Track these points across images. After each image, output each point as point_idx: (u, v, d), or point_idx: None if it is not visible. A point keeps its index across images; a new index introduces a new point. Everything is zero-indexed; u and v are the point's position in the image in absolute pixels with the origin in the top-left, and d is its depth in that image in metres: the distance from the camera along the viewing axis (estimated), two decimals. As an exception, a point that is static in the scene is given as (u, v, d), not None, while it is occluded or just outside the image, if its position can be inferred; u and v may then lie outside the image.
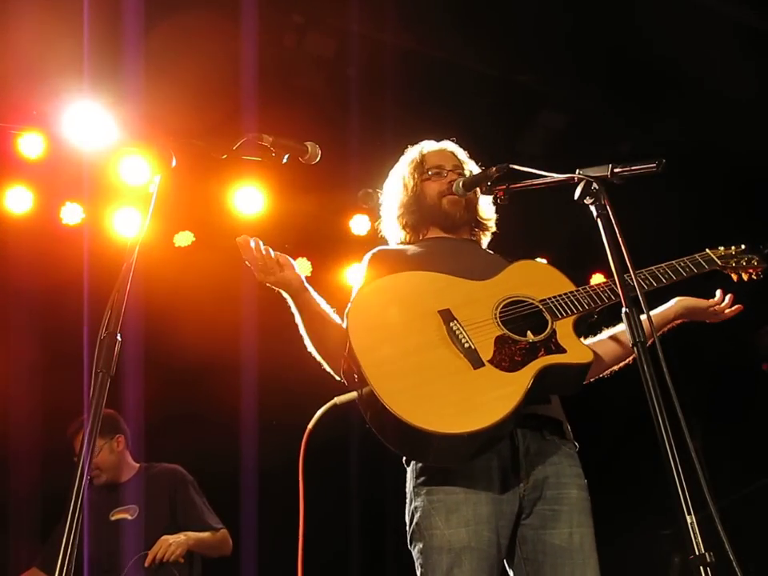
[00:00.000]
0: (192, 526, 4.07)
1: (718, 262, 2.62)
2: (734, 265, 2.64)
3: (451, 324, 2.27)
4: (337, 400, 2.36)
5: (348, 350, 2.23)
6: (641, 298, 1.98)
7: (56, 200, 5.16)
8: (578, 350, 2.31)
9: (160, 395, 5.02)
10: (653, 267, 2.51)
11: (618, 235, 2.03)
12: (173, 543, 3.87)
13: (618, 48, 4.80)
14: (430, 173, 2.74)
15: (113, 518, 4.05)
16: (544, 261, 2.66)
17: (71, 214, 5.16)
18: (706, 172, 5.33)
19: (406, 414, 2.07)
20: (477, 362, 2.20)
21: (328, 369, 2.49)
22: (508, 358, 2.23)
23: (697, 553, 1.64)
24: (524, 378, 2.19)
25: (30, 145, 4.84)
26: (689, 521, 1.65)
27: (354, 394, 2.28)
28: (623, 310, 1.95)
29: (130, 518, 4.05)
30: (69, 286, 4.78)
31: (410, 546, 2.34)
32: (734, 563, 1.63)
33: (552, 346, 2.29)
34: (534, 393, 2.20)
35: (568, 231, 5.15)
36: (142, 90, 4.50)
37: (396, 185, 2.81)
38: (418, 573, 2.28)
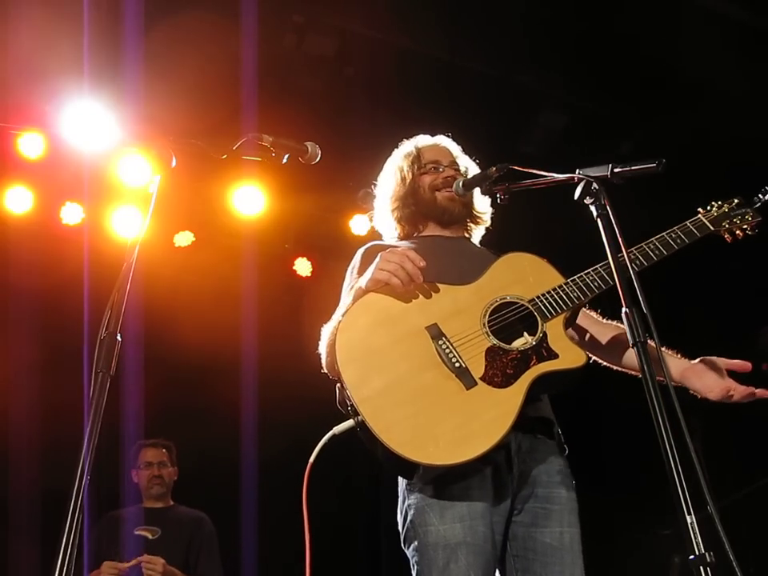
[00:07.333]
0: (206, 573, 4.32)
1: (710, 226, 2.54)
2: (726, 225, 2.56)
3: (439, 342, 2.23)
4: (335, 430, 2.35)
5: (340, 382, 2.21)
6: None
7: (56, 200, 5.16)
8: (570, 353, 2.26)
9: (160, 395, 5.03)
10: (642, 243, 2.43)
11: (618, 235, 2.03)
12: (163, 568, 4.03)
13: (618, 48, 4.80)
14: (427, 167, 2.74)
15: (136, 533, 4.34)
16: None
17: (71, 213, 5.16)
18: (706, 171, 5.32)
19: (402, 448, 2.07)
20: (469, 382, 2.17)
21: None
22: (500, 372, 2.20)
23: (697, 553, 1.64)
24: (517, 393, 2.17)
25: (30, 145, 4.84)
26: (689, 521, 1.65)
27: (351, 423, 2.24)
28: (623, 309, 1.94)
29: (150, 537, 4.34)
30: (69, 286, 4.78)
31: (404, 545, 2.32)
32: (733, 563, 1.62)
33: (543, 351, 2.25)
34: (528, 402, 2.18)
35: (567, 231, 5.14)
36: (142, 90, 4.50)
37: (391, 177, 2.80)
38: (414, 572, 2.25)
